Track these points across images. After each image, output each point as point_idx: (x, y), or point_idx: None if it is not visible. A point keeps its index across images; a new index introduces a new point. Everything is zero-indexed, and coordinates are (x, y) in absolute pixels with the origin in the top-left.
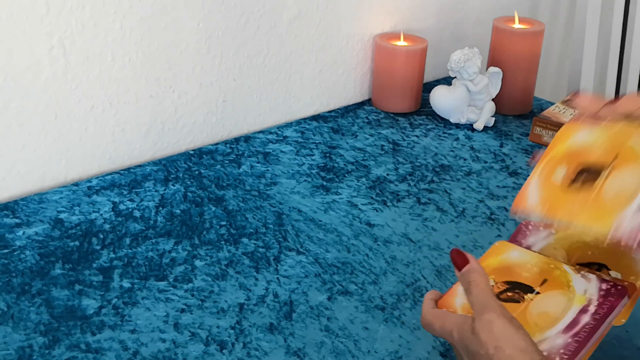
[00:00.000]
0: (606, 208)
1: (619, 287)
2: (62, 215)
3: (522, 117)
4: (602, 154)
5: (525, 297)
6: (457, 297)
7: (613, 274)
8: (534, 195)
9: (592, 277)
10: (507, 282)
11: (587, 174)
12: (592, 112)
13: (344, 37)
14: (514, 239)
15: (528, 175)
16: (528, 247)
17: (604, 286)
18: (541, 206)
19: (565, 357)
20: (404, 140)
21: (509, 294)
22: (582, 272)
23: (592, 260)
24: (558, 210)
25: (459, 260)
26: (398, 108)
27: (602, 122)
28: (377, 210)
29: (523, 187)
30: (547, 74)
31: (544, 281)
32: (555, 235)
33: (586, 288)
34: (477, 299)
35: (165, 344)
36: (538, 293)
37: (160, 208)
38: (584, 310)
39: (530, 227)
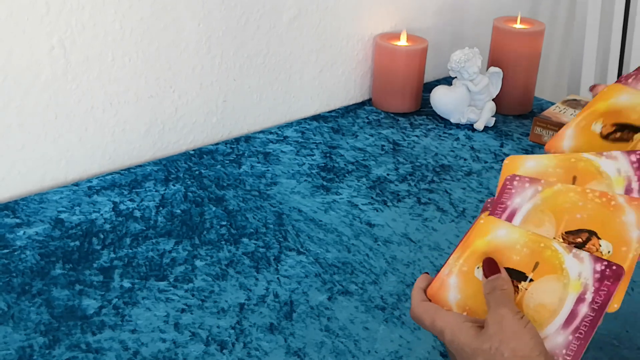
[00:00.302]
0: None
1: (614, 267)
2: (62, 215)
3: (522, 117)
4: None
5: (519, 285)
6: (450, 292)
7: (604, 244)
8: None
9: (585, 256)
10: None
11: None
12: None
13: (344, 37)
14: (499, 199)
15: None
16: (514, 211)
17: (598, 267)
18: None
19: (569, 358)
20: (404, 140)
21: None
22: (574, 251)
23: (581, 227)
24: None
25: (490, 270)
26: (398, 108)
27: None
28: (377, 210)
29: (560, 131)
30: (547, 74)
31: (536, 265)
32: (542, 192)
33: (580, 271)
34: (495, 299)
35: (165, 344)
36: (532, 280)
37: (161, 208)
38: (581, 299)
39: (515, 183)
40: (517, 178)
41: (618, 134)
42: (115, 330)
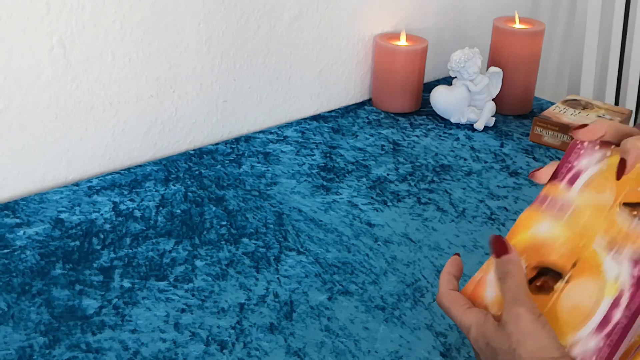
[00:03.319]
0: (561, 322)
1: None
2: (62, 215)
3: (522, 117)
4: (562, 256)
5: (555, 287)
6: (488, 289)
7: None
8: (492, 289)
9: (624, 259)
10: (537, 267)
11: (546, 276)
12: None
13: (344, 37)
14: (567, 158)
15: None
16: (578, 172)
17: (636, 272)
18: (497, 304)
19: None
20: (404, 140)
21: (538, 283)
22: (613, 253)
23: None
24: None
25: (499, 249)
26: (398, 108)
27: (567, 211)
28: (377, 210)
29: (480, 274)
30: (547, 74)
31: (574, 264)
32: (610, 158)
33: (618, 273)
34: (510, 290)
35: (165, 344)
36: (567, 282)
37: (161, 208)
38: (615, 304)
39: (585, 144)
40: (587, 142)
41: (540, 281)
42: (115, 330)
